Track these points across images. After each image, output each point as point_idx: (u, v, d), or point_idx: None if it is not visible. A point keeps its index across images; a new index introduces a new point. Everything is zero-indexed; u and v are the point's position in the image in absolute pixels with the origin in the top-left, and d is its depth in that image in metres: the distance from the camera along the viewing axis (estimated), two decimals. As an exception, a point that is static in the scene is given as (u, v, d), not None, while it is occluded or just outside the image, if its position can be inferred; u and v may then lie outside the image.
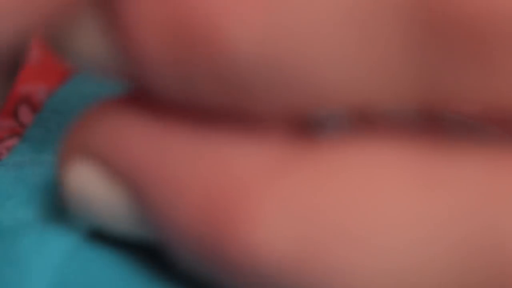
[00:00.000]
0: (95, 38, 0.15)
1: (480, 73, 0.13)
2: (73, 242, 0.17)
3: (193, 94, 0.14)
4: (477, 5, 0.12)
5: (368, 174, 0.14)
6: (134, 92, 0.16)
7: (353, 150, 0.14)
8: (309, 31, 0.13)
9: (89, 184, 0.16)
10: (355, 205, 0.14)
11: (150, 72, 0.14)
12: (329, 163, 0.14)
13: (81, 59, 0.15)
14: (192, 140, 0.15)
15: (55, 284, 0.17)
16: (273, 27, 0.13)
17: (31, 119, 0.24)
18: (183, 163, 0.15)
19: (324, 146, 0.14)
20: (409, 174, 0.14)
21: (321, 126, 0.15)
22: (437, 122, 0.15)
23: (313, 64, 0.13)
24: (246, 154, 0.14)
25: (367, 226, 0.14)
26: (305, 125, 0.15)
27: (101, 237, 0.17)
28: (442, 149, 0.14)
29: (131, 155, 0.15)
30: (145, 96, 0.16)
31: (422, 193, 0.14)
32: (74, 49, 0.15)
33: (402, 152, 0.14)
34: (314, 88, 0.13)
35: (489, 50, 0.12)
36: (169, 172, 0.15)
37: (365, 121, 0.15)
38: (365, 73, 0.13)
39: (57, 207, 0.18)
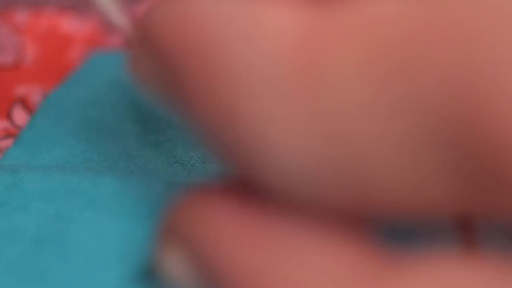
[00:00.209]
0: None
1: None
2: None
3: (314, 194, 0.14)
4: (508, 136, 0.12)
5: None
6: (235, 180, 0.16)
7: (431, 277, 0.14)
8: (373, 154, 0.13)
9: (180, 269, 0.16)
10: None
11: (271, 170, 0.14)
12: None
13: None
14: (282, 243, 0.15)
15: None
16: None
17: (25, 121, 0.24)
18: (267, 265, 0.15)
19: (406, 267, 0.14)
20: None
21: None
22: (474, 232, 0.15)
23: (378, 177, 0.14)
24: (330, 261, 0.14)
25: None
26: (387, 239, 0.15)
27: None
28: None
29: (220, 250, 0.15)
30: (248, 187, 0.15)
31: None
32: None
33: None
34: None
35: None
36: (253, 275, 0.15)
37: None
38: (414, 184, 0.14)
39: None
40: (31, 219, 0.19)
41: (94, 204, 0.20)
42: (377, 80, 0.13)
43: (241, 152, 0.14)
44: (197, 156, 0.23)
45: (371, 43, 0.13)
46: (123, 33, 0.19)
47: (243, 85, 0.14)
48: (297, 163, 0.14)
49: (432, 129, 0.13)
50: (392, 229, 0.16)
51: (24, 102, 0.24)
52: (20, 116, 0.24)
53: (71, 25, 0.28)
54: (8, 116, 0.24)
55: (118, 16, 0.19)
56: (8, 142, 0.23)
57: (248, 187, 0.15)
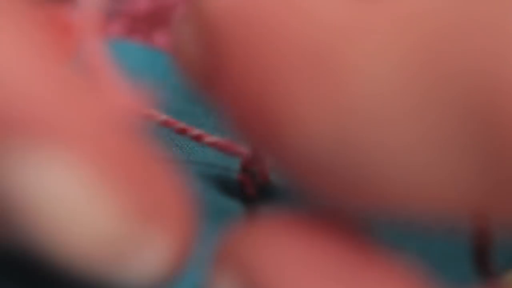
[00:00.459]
0: None
1: None
2: None
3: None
4: None
5: None
6: (298, 214, 0.16)
7: None
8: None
9: None
10: None
11: (295, 149, 0.14)
12: None
13: None
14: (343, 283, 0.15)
15: None
16: None
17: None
18: None
19: None
20: None
21: None
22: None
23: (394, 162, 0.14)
24: None
25: None
26: None
27: None
28: None
29: (276, 282, 0.15)
30: (308, 221, 0.15)
31: None
32: None
33: None
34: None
35: None
36: None
37: None
38: (438, 179, 0.14)
39: None
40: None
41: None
42: (414, 68, 0.13)
43: (268, 125, 0.14)
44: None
45: (409, 34, 0.14)
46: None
47: (286, 58, 0.14)
48: (322, 146, 0.14)
49: (460, 120, 0.13)
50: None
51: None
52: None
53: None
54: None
55: None
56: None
57: (311, 223, 0.15)
